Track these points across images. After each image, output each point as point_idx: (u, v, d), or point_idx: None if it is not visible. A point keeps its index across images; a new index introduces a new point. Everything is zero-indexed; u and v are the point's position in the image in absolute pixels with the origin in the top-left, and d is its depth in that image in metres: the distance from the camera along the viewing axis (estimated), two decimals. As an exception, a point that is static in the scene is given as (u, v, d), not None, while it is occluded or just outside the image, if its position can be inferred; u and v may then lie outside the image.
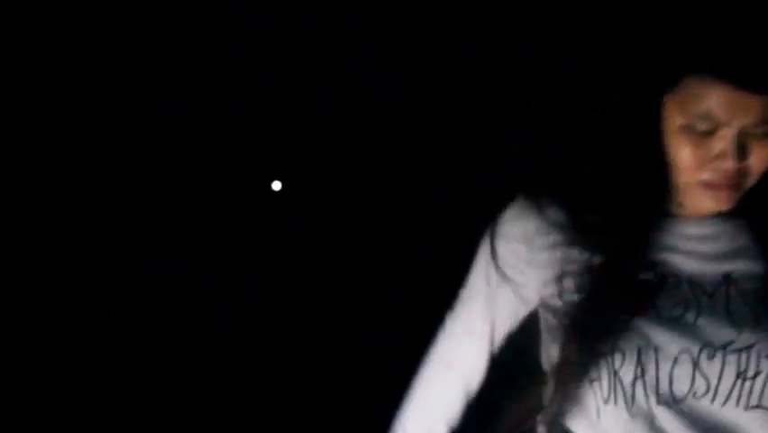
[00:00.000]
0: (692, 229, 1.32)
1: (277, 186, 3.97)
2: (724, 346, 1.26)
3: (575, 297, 1.33)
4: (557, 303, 1.36)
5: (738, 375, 1.25)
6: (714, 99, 1.20)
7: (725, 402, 1.24)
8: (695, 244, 1.32)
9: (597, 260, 1.34)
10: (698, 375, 1.26)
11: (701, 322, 1.27)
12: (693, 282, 1.30)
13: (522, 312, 1.46)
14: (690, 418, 1.26)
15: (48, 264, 3.74)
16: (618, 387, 1.29)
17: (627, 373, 1.28)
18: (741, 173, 1.22)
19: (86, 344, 3.64)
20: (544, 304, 1.40)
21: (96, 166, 3.89)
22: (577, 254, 1.35)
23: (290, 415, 3.55)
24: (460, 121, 3.89)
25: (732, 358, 1.24)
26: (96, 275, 3.76)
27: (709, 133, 1.22)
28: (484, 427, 1.47)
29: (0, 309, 3.64)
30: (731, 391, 1.24)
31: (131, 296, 3.74)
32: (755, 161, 1.22)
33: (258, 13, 3.91)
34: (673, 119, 1.27)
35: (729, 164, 1.20)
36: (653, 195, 1.34)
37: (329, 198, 4.05)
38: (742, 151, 1.20)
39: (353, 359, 3.63)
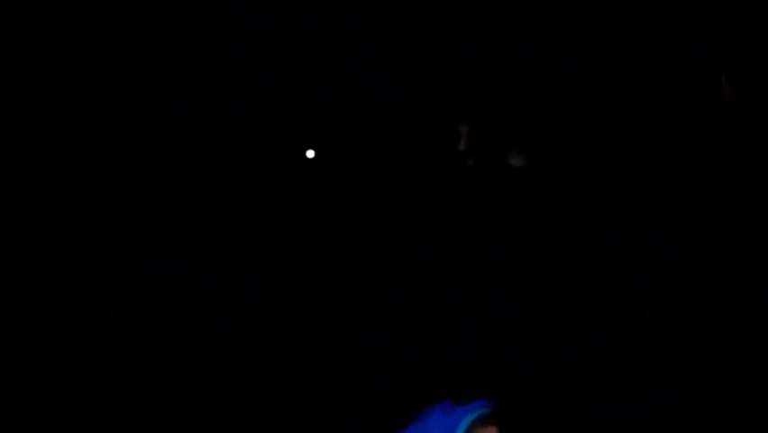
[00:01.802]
0: None
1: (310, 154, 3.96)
2: None
3: None
4: None
5: None
6: None
7: None
8: None
9: None
10: None
11: None
12: None
13: None
14: None
15: (48, 264, 3.74)
16: None
17: None
18: None
19: (86, 344, 3.64)
20: None
21: (96, 166, 3.89)
22: None
23: (290, 415, 3.55)
24: (460, 121, 3.89)
25: None
26: (96, 275, 3.76)
27: None
28: None
29: (0, 309, 3.63)
30: None
31: (131, 296, 3.74)
32: None
33: (258, 13, 3.91)
34: None
35: None
36: None
37: (329, 198, 4.05)
38: None
39: (353, 359, 3.63)
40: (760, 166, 3.39)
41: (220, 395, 3.58)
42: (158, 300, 3.74)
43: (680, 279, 3.40)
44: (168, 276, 3.77)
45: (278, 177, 4.02)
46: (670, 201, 3.42)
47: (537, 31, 3.68)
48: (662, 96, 3.48)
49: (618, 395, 3.30)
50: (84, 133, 3.90)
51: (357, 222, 3.96)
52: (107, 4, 3.84)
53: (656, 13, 3.50)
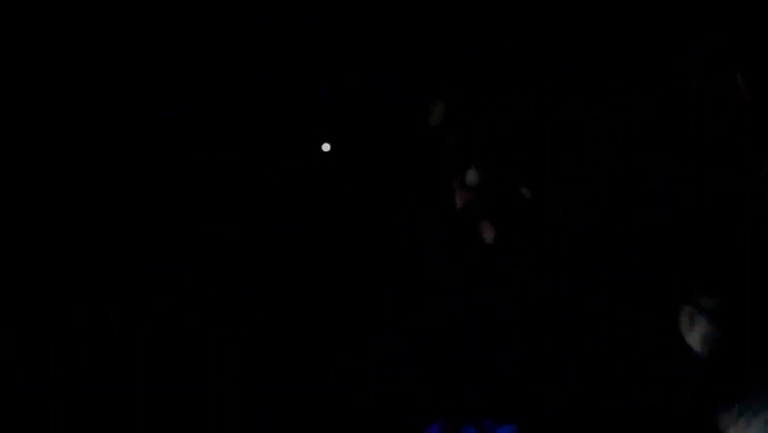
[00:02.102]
0: None
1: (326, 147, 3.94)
2: None
3: None
4: None
5: None
6: None
7: None
8: None
9: None
10: None
11: None
12: None
13: None
14: None
15: (48, 264, 3.74)
16: None
17: None
18: None
19: (87, 344, 3.63)
20: None
21: (97, 166, 3.89)
22: None
23: (290, 415, 3.55)
24: (460, 121, 3.89)
25: None
26: (96, 275, 3.76)
27: None
28: None
29: (0, 309, 3.63)
30: None
31: (131, 296, 3.74)
32: None
33: (258, 13, 3.91)
34: None
35: None
36: None
37: (329, 198, 4.05)
38: None
39: (353, 359, 3.63)
40: (760, 166, 3.39)
41: (220, 395, 3.58)
42: (158, 300, 3.74)
43: (680, 278, 3.40)
44: (168, 276, 3.77)
45: (278, 177, 4.02)
46: (670, 201, 3.42)
47: (537, 31, 3.68)
48: (662, 96, 3.49)
49: (618, 395, 3.30)
50: (83, 133, 3.90)
51: (357, 222, 3.96)
52: (107, 3, 3.84)
53: (656, 13, 3.51)
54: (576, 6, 3.61)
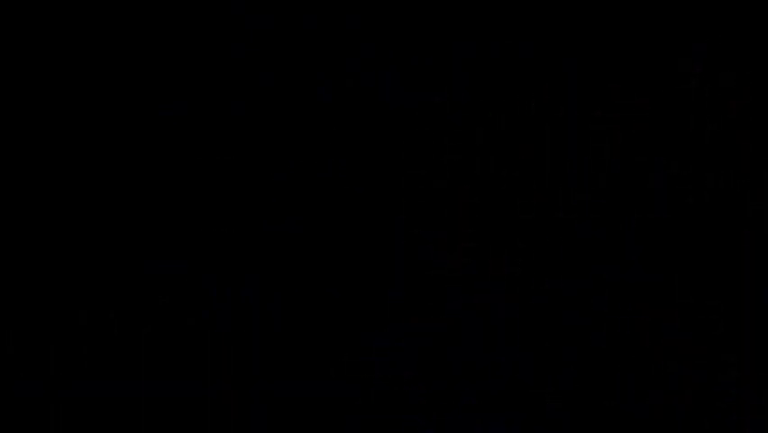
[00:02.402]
0: None
1: None
2: None
3: None
4: None
5: None
6: None
7: None
8: None
9: None
10: None
11: None
12: None
13: None
14: None
15: (48, 264, 3.74)
16: None
17: None
18: None
19: (86, 344, 3.64)
20: None
21: (96, 166, 3.89)
22: None
23: (290, 415, 3.55)
24: (460, 121, 3.89)
25: None
26: (96, 275, 3.76)
27: None
28: None
29: (0, 309, 3.63)
30: None
31: (131, 296, 3.74)
32: None
33: (258, 13, 3.91)
34: None
35: None
36: None
37: (329, 198, 4.05)
38: None
39: (353, 359, 3.63)
40: (760, 166, 3.39)
41: (220, 395, 3.58)
42: (158, 300, 3.74)
43: (679, 279, 3.40)
44: (168, 276, 3.77)
45: (278, 177, 4.02)
46: (670, 201, 3.42)
47: (537, 31, 3.68)
48: (662, 96, 3.49)
49: (619, 395, 3.30)
50: (83, 133, 3.90)
51: (357, 222, 3.96)
52: (107, 3, 3.84)
53: (656, 13, 3.51)
54: (576, 6, 3.61)
